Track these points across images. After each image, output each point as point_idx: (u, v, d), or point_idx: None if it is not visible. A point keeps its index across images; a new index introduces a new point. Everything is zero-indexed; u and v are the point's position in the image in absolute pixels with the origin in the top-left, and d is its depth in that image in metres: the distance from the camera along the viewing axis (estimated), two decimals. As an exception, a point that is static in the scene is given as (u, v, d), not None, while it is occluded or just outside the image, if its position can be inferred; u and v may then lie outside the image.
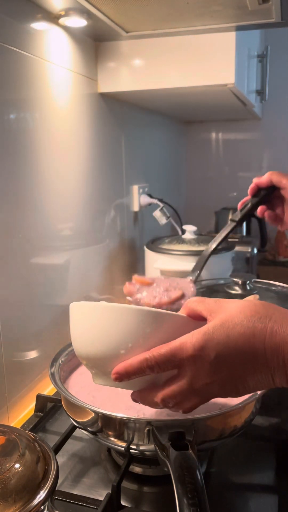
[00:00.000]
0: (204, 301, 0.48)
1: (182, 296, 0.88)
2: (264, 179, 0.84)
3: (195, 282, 0.97)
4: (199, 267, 0.99)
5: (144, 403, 0.50)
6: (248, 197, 0.88)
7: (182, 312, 0.50)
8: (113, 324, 0.49)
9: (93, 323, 0.50)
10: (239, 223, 0.92)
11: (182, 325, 0.48)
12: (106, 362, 0.49)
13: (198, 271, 0.98)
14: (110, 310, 0.49)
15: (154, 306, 0.86)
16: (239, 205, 0.91)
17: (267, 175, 0.84)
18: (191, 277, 0.97)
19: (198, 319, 0.48)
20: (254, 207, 0.88)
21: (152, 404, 0.49)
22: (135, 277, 0.94)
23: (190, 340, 0.44)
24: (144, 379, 0.48)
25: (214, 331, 0.43)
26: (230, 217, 0.95)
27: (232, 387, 0.45)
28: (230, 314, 0.44)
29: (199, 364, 0.43)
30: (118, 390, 0.68)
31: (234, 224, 0.93)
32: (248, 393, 0.46)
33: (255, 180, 0.86)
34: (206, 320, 0.47)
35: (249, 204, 0.88)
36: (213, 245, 0.97)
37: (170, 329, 0.47)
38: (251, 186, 0.86)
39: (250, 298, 0.60)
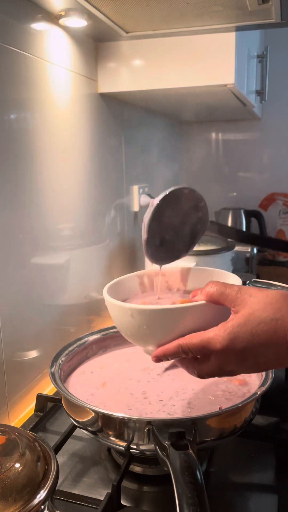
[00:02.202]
0: (225, 291, 0.51)
1: None
2: None
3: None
4: None
5: (184, 369, 0.56)
6: None
7: (202, 297, 0.54)
8: (147, 324, 0.55)
9: (128, 324, 0.57)
10: None
11: (205, 311, 0.54)
12: (145, 347, 0.59)
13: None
14: (141, 312, 0.55)
15: None
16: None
17: None
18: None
19: (220, 304, 0.53)
20: None
21: (190, 372, 0.55)
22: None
23: (217, 337, 0.49)
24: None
25: (239, 329, 0.48)
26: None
27: (257, 370, 0.51)
28: (253, 311, 0.48)
29: (226, 356, 0.49)
30: (118, 390, 0.69)
31: None
32: (273, 368, 0.55)
33: None
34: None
35: None
36: None
37: (195, 317, 0.54)
38: None
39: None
